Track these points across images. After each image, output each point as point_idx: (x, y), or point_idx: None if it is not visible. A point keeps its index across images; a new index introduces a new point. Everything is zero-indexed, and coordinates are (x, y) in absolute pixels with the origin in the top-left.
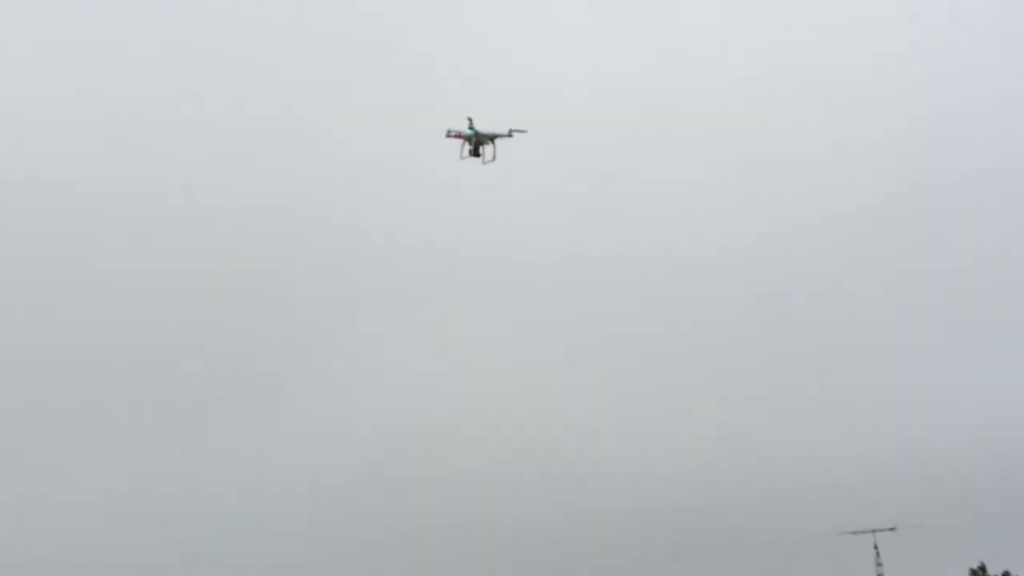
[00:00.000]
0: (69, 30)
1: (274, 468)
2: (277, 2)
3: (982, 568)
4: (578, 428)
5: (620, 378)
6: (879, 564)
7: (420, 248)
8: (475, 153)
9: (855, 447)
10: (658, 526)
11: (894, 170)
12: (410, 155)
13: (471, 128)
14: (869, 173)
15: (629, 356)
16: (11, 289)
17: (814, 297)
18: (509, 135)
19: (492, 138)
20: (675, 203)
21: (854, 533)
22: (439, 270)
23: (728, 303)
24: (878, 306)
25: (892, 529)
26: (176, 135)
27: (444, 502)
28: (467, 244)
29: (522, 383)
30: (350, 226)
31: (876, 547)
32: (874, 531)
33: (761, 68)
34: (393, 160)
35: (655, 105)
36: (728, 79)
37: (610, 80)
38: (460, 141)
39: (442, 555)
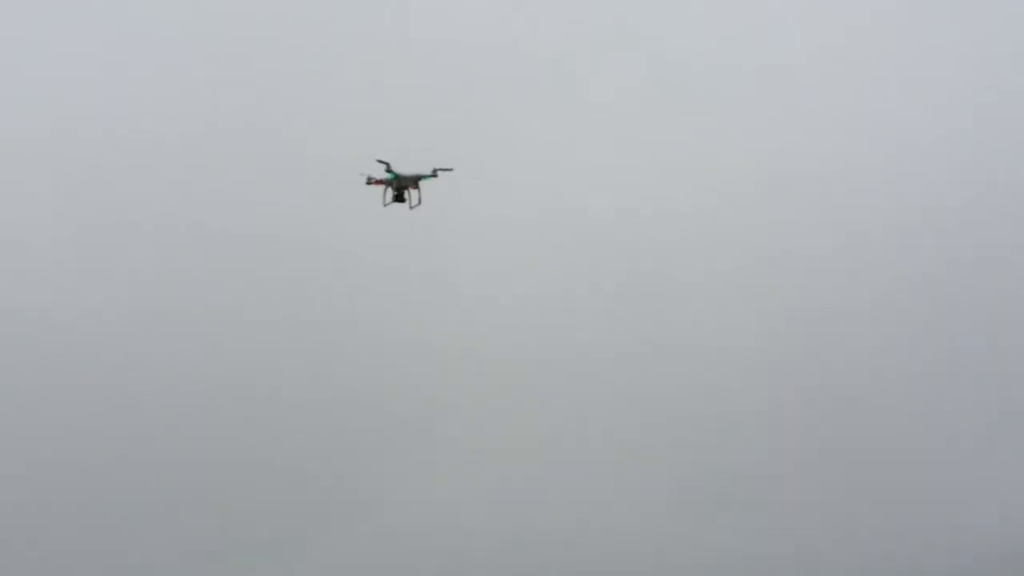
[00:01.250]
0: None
1: None
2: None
3: None
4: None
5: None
6: None
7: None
8: (399, 199)
9: None
10: None
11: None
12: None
13: (389, 171)
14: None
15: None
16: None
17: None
18: (433, 175)
19: (416, 180)
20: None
21: None
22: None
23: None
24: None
25: None
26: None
27: None
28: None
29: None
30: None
31: None
32: None
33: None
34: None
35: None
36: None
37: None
38: (381, 188)
39: None
